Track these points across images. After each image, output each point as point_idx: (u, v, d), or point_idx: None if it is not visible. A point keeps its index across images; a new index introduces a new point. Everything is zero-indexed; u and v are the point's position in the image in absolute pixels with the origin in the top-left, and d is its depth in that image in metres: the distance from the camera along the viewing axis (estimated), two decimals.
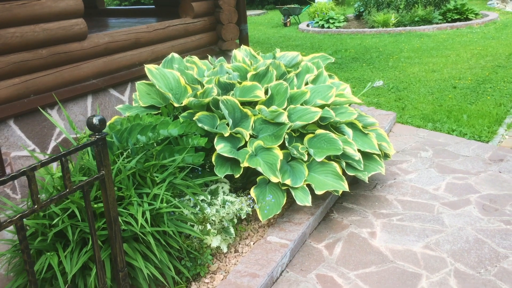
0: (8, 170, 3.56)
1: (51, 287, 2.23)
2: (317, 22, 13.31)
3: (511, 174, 3.86)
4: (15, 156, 3.60)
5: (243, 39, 5.80)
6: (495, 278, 2.65)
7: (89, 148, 2.46)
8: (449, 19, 11.96)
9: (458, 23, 11.53)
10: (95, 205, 2.23)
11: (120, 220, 2.22)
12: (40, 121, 3.76)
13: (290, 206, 3.37)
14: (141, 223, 2.24)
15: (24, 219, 2.10)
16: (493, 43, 9.26)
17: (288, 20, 14.88)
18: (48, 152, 3.82)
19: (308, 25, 13.73)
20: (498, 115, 5.27)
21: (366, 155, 3.43)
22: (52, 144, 3.85)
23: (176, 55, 3.64)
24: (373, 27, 12.18)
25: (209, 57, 3.91)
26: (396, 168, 4.11)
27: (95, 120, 1.49)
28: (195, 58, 3.74)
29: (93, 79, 4.21)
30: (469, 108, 5.59)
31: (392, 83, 6.96)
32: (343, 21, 13.01)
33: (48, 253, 2.17)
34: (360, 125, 3.49)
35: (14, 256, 2.42)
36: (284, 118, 3.06)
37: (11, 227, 2.83)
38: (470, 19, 12.00)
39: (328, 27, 12.82)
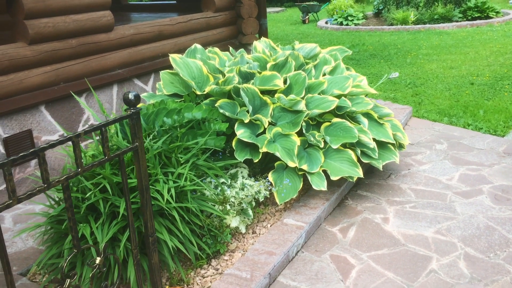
0: None
1: (82, 256, 2.41)
2: (336, 20, 13.36)
3: None
4: (45, 140, 3.80)
5: (263, 33, 5.94)
6: (504, 262, 2.74)
7: (118, 129, 2.63)
8: (469, 17, 11.91)
9: (478, 21, 11.47)
10: None
11: None
12: (69, 108, 3.96)
13: (306, 192, 3.50)
14: (166, 199, 2.40)
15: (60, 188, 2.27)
16: None
17: (307, 17, 14.96)
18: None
19: (326, 22, 13.79)
20: None
21: (381, 144, 3.53)
22: (80, 130, 4.04)
23: (198, 46, 3.80)
24: (392, 24, 12.19)
25: (230, 48, 4.05)
26: (411, 160, 4.20)
27: (131, 96, 1.65)
28: (216, 49, 3.89)
29: (118, 69, 4.39)
30: (486, 103, 5.63)
31: (410, 78, 7.01)
32: (361, 19, 13.03)
33: (81, 224, 2.34)
34: (375, 115, 3.59)
35: (47, 231, 2.61)
36: (302, 106, 3.19)
37: (39, 203, 3.02)
38: (491, 18, 11.92)
39: (347, 25, 12.86)
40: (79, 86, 3.97)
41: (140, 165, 1.71)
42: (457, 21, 11.74)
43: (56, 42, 3.80)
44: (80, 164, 1.47)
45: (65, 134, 3.99)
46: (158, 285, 1.91)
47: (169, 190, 2.42)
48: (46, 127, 3.78)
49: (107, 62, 4.24)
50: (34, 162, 3.71)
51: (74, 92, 3.92)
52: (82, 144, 4.06)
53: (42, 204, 2.56)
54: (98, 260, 1.60)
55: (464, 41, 9.69)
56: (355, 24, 12.80)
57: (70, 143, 3.66)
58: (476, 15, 11.91)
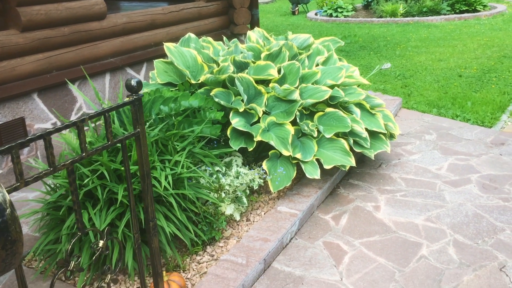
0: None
1: (80, 242, 2.43)
2: (326, 11, 13.38)
3: (511, 157, 4.01)
4: (38, 128, 3.79)
5: (254, 24, 5.95)
6: (491, 248, 2.83)
7: (115, 117, 2.64)
8: (457, 10, 12.02)
9: (466, 15, 11.59)
10: (122, 168, 2.41)
11: None
12: (62, 96, 3.94)
13: (299, 181, 3.55)
14: (164, 186, 2.43)
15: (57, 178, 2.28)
16: (500, 35, 9.35)
17: (297, 8, 14.95)
18: None
19: (316, 14, 13.80)
20: (502, 103, 5.41)
21: (373, 134, 3.59)
22: (73, 118, 4.03)
23: (192, 35, 3.80)
24: (381, 17, 12.26)
25: (224, 38, 4.06)
26: (401, 150, 4.27)
27: (133, 82, 1.67)
28: (210, 39, 3.90)
29: (111, 57, 4.38)
30: (474, 95, 5.72)
31: (399, 70, 7.09)
32: (351, 11, 13.08)
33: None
34: (367, 105, 3.65)
35: (43, 218, 2.62)
36: (296, 96, 3.22)
37: (34, 191, 3.02)
38: (478, 11, 12.04)
39: (336, 16, 12.90)
40: (71, 74, 3.95)
41: (141, 150, 1.74)
42: (445, 14, 11.84)
43: (49, 29, 3.78)
44: (84, 149, 1.49)
45: (58, 123, 3.97)
46: (158, 269, 1.94)
47: (166, 177, 2.45)
48: (39, 115, 3.77)
49: (99, 51, 4.23)
50: (26, 150, 3.70)
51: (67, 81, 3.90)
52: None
53: (38, 191, 2.57)
54: (101, 243, 1.62)
55: (452, 34, 9.80)
56: (345, 16, 12.84)
57: (64, 131, 3.66)
58: (464, 8, 12.02)
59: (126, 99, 1.62)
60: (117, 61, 4.40)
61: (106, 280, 1.70)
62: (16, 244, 0.70)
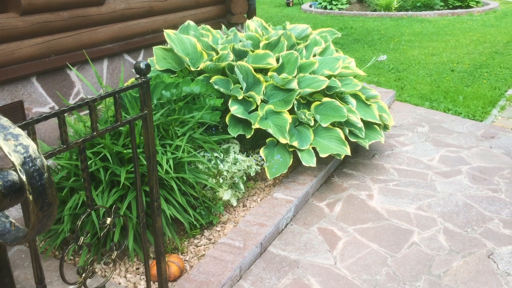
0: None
1: (82, 223, 2.47)
2: (320, 3, 13.41)
3: (501, 150, 4.12)
4: (36, 111, 3.80)
5: (251, 14, 5.97)
6: (480, 236, 2.93)
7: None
8: (450, 6, 12.12)
9: (459, 10, 11.70)
10: (125, 151, 2.46)
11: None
12: (60, 81, 3.96)
13: (295, 169, 3.62)
14: (165, 169, 2.48)
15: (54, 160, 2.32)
16: (492, 31, 9.47)
17: (291, 0, 14.96)
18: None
19: (311, 6, 13.83)
20: (493, 97, 5.52)
21: (367, 125, 3.67)
22: (71, 102, 4.05)
23: (192, 23, 3.83)
24: (375, 10, 12.32)
25: (223, 26, 4.10)
26: (394, 141, 4.36)
27: (142, 65, 1.71)
28: (209, 27, 3.93)
29: (109, 43, 4.39)
30: (465, 90, 5.83)
31: (393, 64, 7.17)
32: (345, 3, 13.12)
33: (82, 192, 2.41)
34: (363, 96, 3.72)
35: None
36: (294, 85, 3.28)
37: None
38: (471, 7, 12.16)
39: (331, 9, 12.94)
40: (70, 59, 3.97)
41: (148, 132, 1.79)
42: (438, 9, 11.95)
43: (48, 13, 3.78)
44: (96, 128, 1.54)
45: (56, 107, 3.99)
46: (161, 248, 2.00)
47: (167, 161, 2.50)
48: (37, 98, 3.78)
49: (97, 36, 4.24)
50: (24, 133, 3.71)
51: (65, 65, 3.92)
52: (72, 118, 4.08)
53: None
54: (109, 220, 1.67)
55: (445, 29, 9.90)
56: (339, 9, 12.88)
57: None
58: (457, 4, 12.13)
59: (130, 81, 1.66)
60: (115, 47, 4.42)
61: (112, 256, 1.75)
62: (52, 206, 0.75)
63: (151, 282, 2.39)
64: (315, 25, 10.98)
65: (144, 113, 1.77)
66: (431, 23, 10.69)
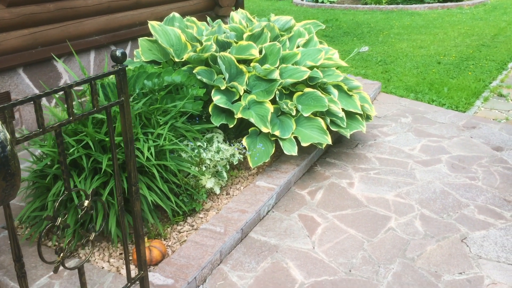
0: (16, 116, 3.82)
1: (65, 208, 2.54)
2: None
3: (481, 139, 4.21)
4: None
5: (239, 6, 6.02)
6: (455, 221, 3.02)
7: (100, 90, 2.74)
8: None
9: (449, 4, 11.78)
10: (107, 139, 2.52)
11: None
12: (47, 72, 4.00)
13: (278, 159, 3.69)
14: (146, 157, 2.54)
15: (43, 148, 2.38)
16: (480, 24, 9.56)
17: None
18: (53, 102, 4.08)
19: (302, 0, 13.86)
20: (477, 89, 5.61)
21: (349, 115, 3.74)
22: (58, 95, 4.10)
23: (177, 15, 3.89)
24: (366, 3, 12.38)
25: (208, 18, 4.15)
26: (377, 131, 4.44)
27: (118, 53, 1.77)
28: (194, 19, 3.98)
29: (96, 35, 4.44)
30: (450, 82, 5.91)
31: (380, 56, 7.25)
32: None
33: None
34: (345, 87, 3.79)
35: (29, 187, 2.72)
36: (276, 75, 3.35)
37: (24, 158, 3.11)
38: (461, 0, 12.24)
39: (322, 2, 12.98)
40: (57, 51, 4.01)
41: (125, 118, 1.85)
42: (429, 3, 12.01)
43: (34, 5, 3.82)
44: (72, 113, 1.60)
45: (44, 99, 4.04)
46: (140, 231, 2.07)
47: (149, 149, 2.56)
48: (24, 89, 3.83)
49: (84, 28, 4.28)
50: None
51: (52, 57, 3.96)
52: (59, 110, 4.13)
53: (27, 161, 2.66)
54: (86, 202, 1.74)
55: (434, 22, 9.98)
56: (330, 2, 12.93)
57: (50, 103, 3.73)
58: None
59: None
60: (102, 39, 4.47)
61: (90, 237, 1.82)
62: (15, 177, 0.81)
63: (147, 268, 2.47)
64: (306, 18, 11.03)
65: (121, 100, 1.83)
66: (421, 16, 10.76)
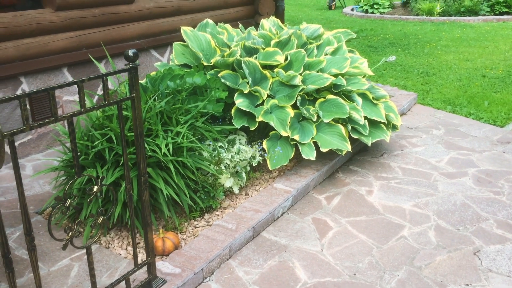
0: (60, 112, 4.13)
1: (89, 200, 2.74)
2: (362, 7, 13.39)
3: None
4: (66, 100, 4.16)
5: (279, 15, 6.15)
6: (471, 234, 2.97)
7: (127, 89, 2.94)
8: (497, 12, 11.79)
9: (505, 16, 11.36)
10: (129, 134, 2.71)
11: (147, 147, 2.69)
12: (89, 72, 4.30)
13: (299, 163, 3.77)
14: (164, 152, 2.71)
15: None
16: None
17: (334, 3, 15.00)
18: (95, 98, 4.37)
19: (352, 9, 13.82)
20: None
21: (373, 123, 3.76)
22: (96, 96, 4.39)
23: (210, 21, 4.07)
24: (417, 15, 12.18)
25: (240, 24, 4.31)
26: (406, 142, 4.41)
27: (130, 53, 1.94)
28: (227, 25, 4.15)
29: (137, 39, 4.71)
30: (493, 96, 5.74)
31: (423, 68, 7.13)
32: (388, 7, 13.03)
33: (89, 169, 2.68)
34: (371, 96, 3.81)
35: (59, 177, 2.95)
36: (297, 81, 3.44)
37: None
38: None
39: (372, 12, 12.89)
40: (99, 53, 4.30)
41: (136, 113, 2.01)
42: (484, 15, 11.64)
43: (80, 10, 4.13)
44: (83, 105, 1.78)
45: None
46: (148, 219, 2.22)
47: (166, 145, 2.73)
48: (68, 88, 4.14)
49: (126, 32, 4.56)
50: None
51: (94, 58, 4.26)
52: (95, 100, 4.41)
53: (60, 151, 2.91)
54: (95, 188, 1.91)
55: (486, 35, 9.67)
56: (380, 13, 12.82)
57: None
58: (504, 10, 11.78)
59: (126, 91, 1.89)
60: (143, 43, 4.73)
61: (99, 220, 1.99)
62: None
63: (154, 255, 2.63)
64: (352, 27, 11.01)
65: (132, 95, 2.00)
66: (473, 28, 10.45)
